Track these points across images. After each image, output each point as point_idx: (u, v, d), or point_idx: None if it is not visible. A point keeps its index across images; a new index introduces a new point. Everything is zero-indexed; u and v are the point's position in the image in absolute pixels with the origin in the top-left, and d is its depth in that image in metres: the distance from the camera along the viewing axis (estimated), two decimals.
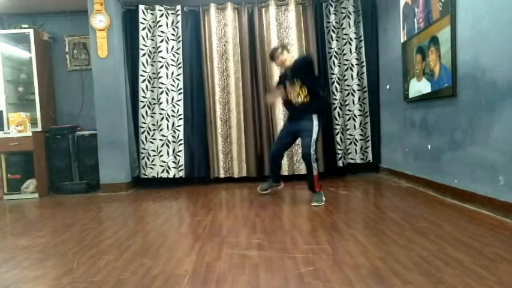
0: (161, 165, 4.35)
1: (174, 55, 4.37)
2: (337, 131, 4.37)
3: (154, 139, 4.38)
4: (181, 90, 4.39)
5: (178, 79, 4.38)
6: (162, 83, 4.32)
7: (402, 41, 3.70)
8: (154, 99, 4.38)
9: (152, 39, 4.38)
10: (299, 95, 3.21)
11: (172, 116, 4.35)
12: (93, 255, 2.10)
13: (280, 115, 4.32)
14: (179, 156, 4.37)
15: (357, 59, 4.40)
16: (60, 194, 4.35)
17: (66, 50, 4.77)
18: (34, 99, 4.41)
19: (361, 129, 4.46)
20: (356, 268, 1.71)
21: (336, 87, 4.37)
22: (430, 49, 3.14)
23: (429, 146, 3.28)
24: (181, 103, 4.38)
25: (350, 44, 4.39)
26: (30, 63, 4.44)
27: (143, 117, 4.39)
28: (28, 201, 4.05)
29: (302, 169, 4.19)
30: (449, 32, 2.82)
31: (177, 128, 4.37)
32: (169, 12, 4.37)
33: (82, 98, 4.72)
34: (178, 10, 4.36)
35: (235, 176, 4.42)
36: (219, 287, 1.61)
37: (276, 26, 4.36)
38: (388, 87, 4.19)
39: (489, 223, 2.28)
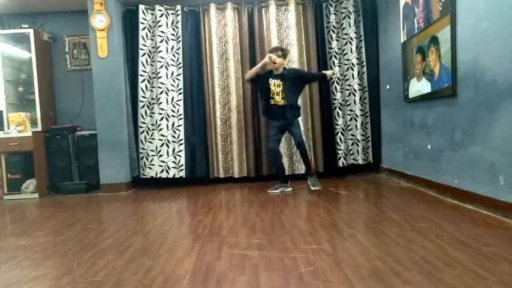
0: (160, 165, 4.35)
1: (174, 55, 4.37)
2: (337, 131, 4.37)
3: (153, 139, 4.38)
4: (181, 90, 4.38)
5: (178, 79, 4.38)
6: (161, 83, 4.31)
7: (402, 41, 3.70)
8: (153, 99, 4.37)
9: (152, 39, 4.37)
10: (279, 94, 3.71)
11: (172, 116, 4.35)
12: (93, 255, 2.10)
13: None
14: (179, 156, 4.37)
15: (357, 58, 4.39)
16: (60, 194, 4.35)
17: (66, 50, 4.77)
18: (34, 99, 4.41)
19: (363, 129, 4.46)
20: (356, 268, 1.71)
21: (335, 87, 4.37)
22: (430, 49, 3.14)
23: (429, 146, 3.28)
24: (181, 103, 4.38)
25: (350, 43, 4.39)
26: (30, 63, 4.44)
27: (142, 117, 4.39)
28: (28, 201, 4.05)
29: (302, 169, 4.20)
30: (449, 32, 2.82)
31: (177, 128, 4.37)
32: (169, 12, 4.37)
33: (82, 98, 4.72)
34: (178, 10, 4.35)
35: (236, 176, 4.42)
36: (219, 287, 1.61)
37: (276, 26, 4.35)
38: (388, 87, 4.18)
39: (489, 223, 2.28)
